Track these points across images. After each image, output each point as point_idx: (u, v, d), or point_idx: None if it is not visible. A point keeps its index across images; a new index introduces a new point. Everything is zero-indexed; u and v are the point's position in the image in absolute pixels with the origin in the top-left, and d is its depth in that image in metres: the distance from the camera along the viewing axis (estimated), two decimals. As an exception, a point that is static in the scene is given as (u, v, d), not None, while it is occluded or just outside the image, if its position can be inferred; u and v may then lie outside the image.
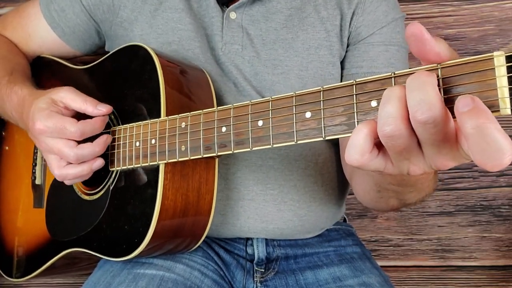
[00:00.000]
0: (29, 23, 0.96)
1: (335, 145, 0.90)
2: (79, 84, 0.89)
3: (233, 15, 0.86)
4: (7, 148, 1.01)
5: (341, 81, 0.87)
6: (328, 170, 0.90)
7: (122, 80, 0.80)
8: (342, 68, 0.89)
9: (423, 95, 0.39)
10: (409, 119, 0.41)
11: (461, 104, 0.37)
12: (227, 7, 0.86)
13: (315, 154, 0.88)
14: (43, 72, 0.99)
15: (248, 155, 0.84)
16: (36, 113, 0.73)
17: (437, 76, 0.42)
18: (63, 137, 0.72)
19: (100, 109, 0.74)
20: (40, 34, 0.95)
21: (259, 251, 0.88)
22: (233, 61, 0.85)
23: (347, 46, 0.89)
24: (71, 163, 0.74)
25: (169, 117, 0.69)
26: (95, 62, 0.88)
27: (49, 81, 0.97)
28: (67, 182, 0.78)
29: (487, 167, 0.37)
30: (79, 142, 0.73)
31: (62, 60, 0.96)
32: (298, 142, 0.52)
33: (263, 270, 0.88)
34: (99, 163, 0.75)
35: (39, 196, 0.91)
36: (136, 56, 0.78)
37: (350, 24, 0.87)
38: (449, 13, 1.22)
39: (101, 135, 0.75)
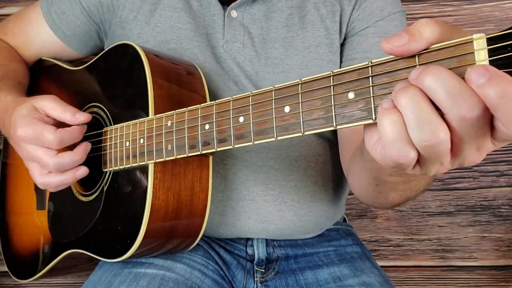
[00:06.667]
0: (30, 27, 0.96)
1: (335, 146, 0.90)
2: (74, 86, 0.90)
3: (234, 13, 0.86)
4: (13, 152, 1.01)
5: None
6: (328, 170, 0.91)
7: (113, 79, 0.80)
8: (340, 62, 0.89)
9: (460, 88, 0.36)
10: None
11: (474, 76, 0.35)
12: (228, 5, 0.86)
13: (315, 155, 0.88)
14: (42, 75, 0.99)
15: (248, 155, 0.84)
16: (18, 119, 0.72)
17: (415, 63, 0.40)
18: (42, 145, 0.71)
19: (78, 117, 0.73)
20: (42, 38, 0.95)
21: (259, 251, 0.88)
22: (234, 59, 0.85)
23: (344, 40, 0.89)
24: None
25: (156, 116, 0.69)
26: (88, 63, 0.88)
27: (47, 84, 0.97)
28: (51, 190, 0.78)
29: None
30: (60, 150, 0.72)
31: (59, 62, 0.96)
32: (278, 138, 0.51)
33: (263, 270, 0.88)
34: (83, 171, 0.75)
35: (41, 198, 0.91)
36: (125, 55, 0.77)
37: (349, 19, 0.87)
38: (449, 13, 1.22)
39: (84, 141, 0.75)
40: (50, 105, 0.73)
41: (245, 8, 0.86)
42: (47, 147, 0.71)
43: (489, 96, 0.34)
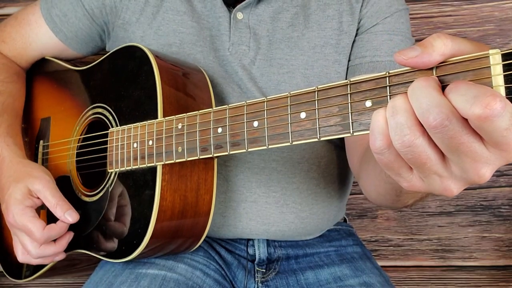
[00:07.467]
0: (29, 31, 0.95)
1: (337, 147, 0.90)
2: (78, 86, 0.89)
3: (240, 15, 0.85)
4: None
5: (346, 74, 0.87)
6: (330, 172, 0.90)
7: (120, 80, 0.80)
8: (348, 61, 0.88)
9: (429, 99, 0.38)
10: (422, 127, 0.40)
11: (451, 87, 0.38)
12: (233, 7, 0.85)
13: (318, 157, 0.88)
14: (45, 75, 0.98)
15: (250, 157, 0.84)
16: (11, 204, 0.76)
17: (432, 75, 0.41)
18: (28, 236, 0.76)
19: (67, 218, 0.76)
20: (42, 40, 0.95)
21: (260, 251, 0.88)
22: (240, 61, 0.85)
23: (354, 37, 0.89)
24: None
25: (166, 118, 0.69)
26: (93, 64, 0.87)
27: (50, 84, 0.97)
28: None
29: None
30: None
31: (62, 62, 0.96)
32: (293, 143, 0.52)
33: (264, 270, 0.88)
34: (60, 257, 0.80)
35: None
36: (133, 57, 0.78)
37: (358, 17, 0.87)
38: (449, 13, 1.22)
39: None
40: (44, 194, 0.77)
41: (251, 9, 0.86)
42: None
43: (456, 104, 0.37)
